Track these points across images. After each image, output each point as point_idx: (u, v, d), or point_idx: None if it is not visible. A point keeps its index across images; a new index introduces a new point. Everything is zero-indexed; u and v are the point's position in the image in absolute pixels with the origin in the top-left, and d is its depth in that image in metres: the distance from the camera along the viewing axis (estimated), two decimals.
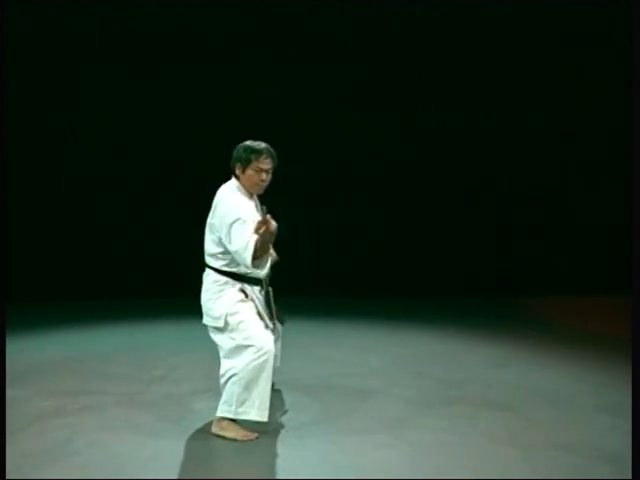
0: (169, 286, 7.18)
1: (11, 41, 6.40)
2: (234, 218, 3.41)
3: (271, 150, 3.58)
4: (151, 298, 7.12)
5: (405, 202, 7.63)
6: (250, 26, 7.19)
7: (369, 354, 5.18)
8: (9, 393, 3.95)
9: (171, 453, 3.24)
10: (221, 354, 3.52)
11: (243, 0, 7.03)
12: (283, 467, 3.14)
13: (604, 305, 7.06)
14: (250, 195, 3.62)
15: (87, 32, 7.06)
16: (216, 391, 4.17)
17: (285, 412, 3.76)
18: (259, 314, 3.57)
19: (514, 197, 7.69)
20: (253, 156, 3.54)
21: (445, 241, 7.66)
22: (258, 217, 3.49)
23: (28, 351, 5.19)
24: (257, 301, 3.60)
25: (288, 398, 3.82)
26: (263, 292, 3.65)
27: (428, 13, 7.21)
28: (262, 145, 3.57)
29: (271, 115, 7.07)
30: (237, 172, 3.59)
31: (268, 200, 3.63)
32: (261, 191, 3.63)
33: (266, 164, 3.54)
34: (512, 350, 5.28)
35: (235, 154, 3.58)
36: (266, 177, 3.56)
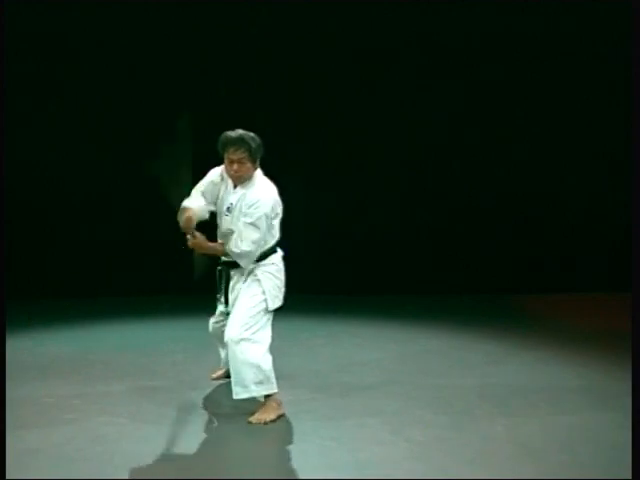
0: (172, 283, 7.20)
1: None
2: None
3: (243, 138, 3.57)
4: (154, 295, 7.14)
5: (404, 200, 7.63)
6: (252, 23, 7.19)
7: (369, 351, 5.20)
8: (12, 390, 3.97)
9: (175, 449, 3.27)
10: None
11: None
12: (283, 463, 3.17)
13: (602, 302, 7.06)
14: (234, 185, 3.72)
15: (84, 35, 7.08)
16: (219, 386, 4.22)
17: (284, 408, 3.78)
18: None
19: (513, 195, 7.69)
20: (224, 148, 3.60)
21: (444, 239, 7.66)
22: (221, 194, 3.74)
23: (31, 348, 5.20)
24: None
25: (288, 395, 3.85)
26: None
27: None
28: (232, 135, 3.59)
29: (275, 109, 7.09)
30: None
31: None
32: (238, 182, 3.66)
33: (235, 154, 3.56)
34: (511, 347, 5.30)
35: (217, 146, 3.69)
36: (237, 168, 3.59)
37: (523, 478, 2.97)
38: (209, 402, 3.98)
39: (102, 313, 6.48)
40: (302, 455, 3.22)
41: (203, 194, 3.78)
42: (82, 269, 7.30)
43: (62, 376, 4.46)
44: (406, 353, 5.15)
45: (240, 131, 3.63)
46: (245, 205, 3.63)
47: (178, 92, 7.24)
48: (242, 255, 3.62)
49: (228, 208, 3.70)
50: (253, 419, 3.62)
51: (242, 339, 3.59)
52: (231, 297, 3.77)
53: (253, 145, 3.59)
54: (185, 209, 3.69)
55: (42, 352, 5.10)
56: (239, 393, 3.64)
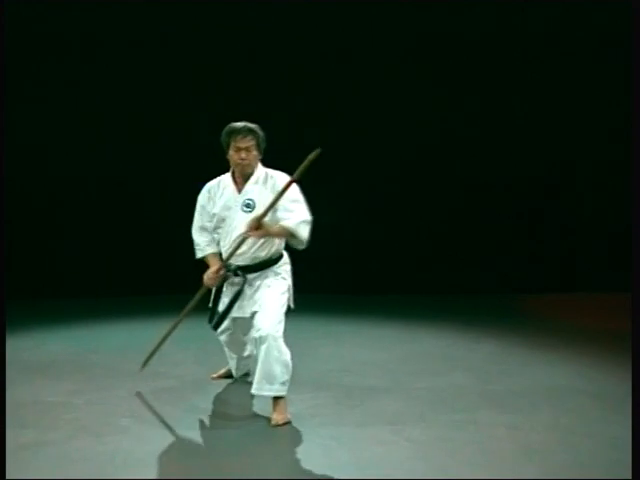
0: (171, 283, 7.20)
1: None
2: None
3: (251, 128, 3.64)
4: (153, 295, 7.15)
5: (406, 201, 7.64)
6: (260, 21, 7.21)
7: (371, 351, 5.21)
8: (12, 389, 3.98)
9: (176, 449, 3.27)
10: None
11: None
12: (284, 463, 3.17)
13: (602, 302, 7.07)
14: (237, 180, 3.72)
15: (86, 31, 7.08)
16: (220, 386, 4.22)
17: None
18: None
19: (514, 196, 7.70)
20: (230, 137, 3.65)
21: (446, 239, 7.66)
22: (216, 202, 3.77)
23: (31, 347, 5.21)
24: (226, 292, 3.80)
25: (289, 394, 3.83)
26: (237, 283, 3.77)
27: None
28: (239, 124, 3.65)
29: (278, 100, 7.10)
30: (227, 156, 3.71)
31: None
32: (246, 170, 3.68)
33: (243, 142, 3.61)
34: (512, 347, 5.30)
35: (221, 139, 3.71)
36: (245, 155, 3.63)
37: (524, 478, 2.97)
38: (210, 402, 3.98)
39: (102, 313, 6.48)
40: (303, 455, 3.21)
41: (203, 228, 3.89)
42: (82, 269, 7.32)
43: (63, 376, 4.46)
44: (408, 353, 5.15)
45: (245, 122, 3.69)
46: (279, 184, 3.61)
47: (178, 91, 7.26)
48: (306, 224, 3.60)
49: (248, 204, 3.68)
50: (277, 421, 3.57)
51: (279, 336, 3.58)
52: (248, 303, 3.73)
53: (260, 134, 3.69)
54: (210, 261, 3.85)
55: (43, 352, 5.10)
56: (263, 390, 3.60)
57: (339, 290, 7.30)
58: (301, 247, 3.66)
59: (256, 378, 3.61)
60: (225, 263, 3.75)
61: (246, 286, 3.73)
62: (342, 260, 7.50)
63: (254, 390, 3.63)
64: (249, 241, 3.64)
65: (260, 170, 3.74)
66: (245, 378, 4.29)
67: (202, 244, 3.90)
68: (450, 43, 7.36)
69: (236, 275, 3.76)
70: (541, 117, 7.57)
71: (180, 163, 7.23)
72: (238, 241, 3.63)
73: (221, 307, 3.83)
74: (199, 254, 3.92)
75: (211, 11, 7.13)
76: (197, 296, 3.85)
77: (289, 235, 3.59)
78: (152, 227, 7.38)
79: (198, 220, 3.90)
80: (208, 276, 3.75)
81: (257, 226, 3.49)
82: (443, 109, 7.45)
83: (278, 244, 3.78)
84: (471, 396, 4.06)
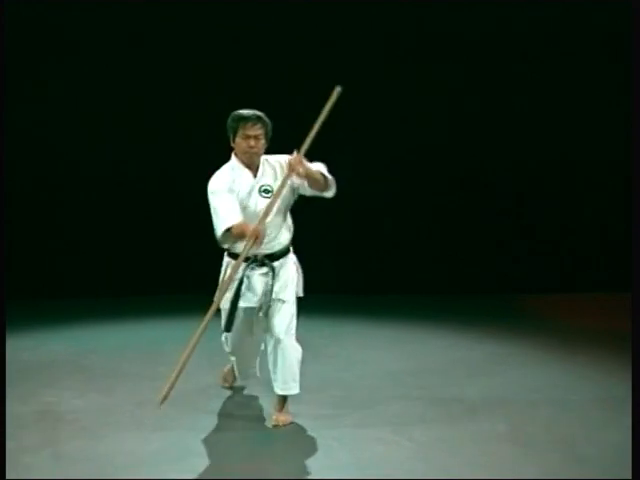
0: (171, 283, 7.20)
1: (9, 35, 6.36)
2: (208, 192, 3.57)
3: (260, 115, 3.59)
4: (153, 295, 7.14)
5: (407, 200, 7.63)
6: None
7: (372, 350, 5.21)
8: (12, 389, 3.97)
9: (176, 449, 3.27)
10: None
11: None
12: (285, 463, 3.17)
13: (602, 302, 7.07)
14: (247, 166, 3.63)
15: (86, 31, 7.08)
16: (220, 387, 4.22)
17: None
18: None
19: (513, 195, 7.70)
20: (239, 123, 3.57)
21: (446, 239, 7.66)
22: (238, 187, 3.56)
23: (32, 348, 5.21)
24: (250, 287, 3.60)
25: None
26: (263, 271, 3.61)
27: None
28: (248, 112, 3.60)
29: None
30: (232, 143, 3.64)
31: None
32: (253, 158, 3.61)
33: (252, 130, 3.56)
34: (512, 347, 5.31)
35: (227, 124, 3.64)
36: (254, 143, 3.57)
37: (524, 478, 2.97)
38: (210, 402, 3.98)
39: (102, 313, 6.48)
40: (304, 455, 3.21)
41: (232, 204, 3.53)
42: (82, 269, 7.31)
43: (63, 376, 4.46)
44: (409, 352, 5.16)
45: (254, 110, 3.65)
46: (285, 163, 3.61)
47: (178, 91, 7.24)
48: None
49: (266, 190, 3.61)
50: (280, 421, 3.58)
51: (293, 334, 3.61)
52: (267, 296, 3.63)
53: (268, 122, 3.64)
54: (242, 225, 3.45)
55: (42, 352, 5.10)
56: (290, 389, 3.61)
57: (339, 290, 7.29)
58: (331, 193, 3.67)
59: (280, 378, 3.59)
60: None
61: (274, 273, 3.62)
62: (342, 260, 7.49)
63: (282, 390, 3.61)
64: (273, 223, 3.55)
65: (262, 158, 3.69)
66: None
67: (236, 211, 3.48)
68: (450, 43, 7.35)
69: (262, 265, 3.61)
70: (541, 117, 7.55)
71: (180, 163, 7.22)
72: (268, 203, 3.48)
73: (245, 304, 3.64)
74: (234, 220, 3.44)
75: (211, 11, 7.12)
76: (239, 262, 3.48)
77: (322, 179, 3.58)
78: (152, 227, 7.38)
79: (223, 201, 3.51)
80: (259, 227, 3.40)
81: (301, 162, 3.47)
82: (443, 109, 7.44)
83: (290, 230, 3.75)
84: (471, 396, 4.07)
